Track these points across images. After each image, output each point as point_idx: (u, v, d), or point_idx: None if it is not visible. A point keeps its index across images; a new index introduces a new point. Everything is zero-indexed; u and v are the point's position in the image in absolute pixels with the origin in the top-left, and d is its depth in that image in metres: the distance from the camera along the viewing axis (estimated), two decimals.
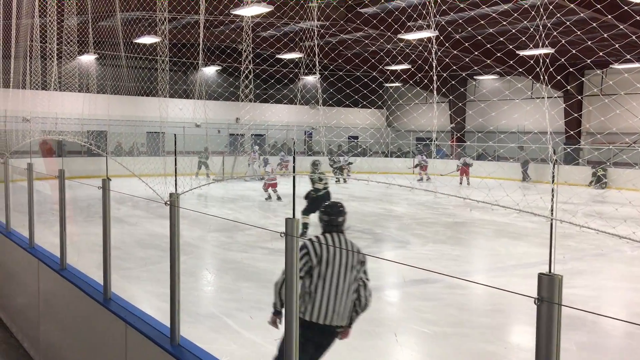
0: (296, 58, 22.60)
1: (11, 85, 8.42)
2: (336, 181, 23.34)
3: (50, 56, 6.92)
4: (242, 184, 23.17)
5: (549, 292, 1.61)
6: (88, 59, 8.10)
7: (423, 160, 26.00)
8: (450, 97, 30.14)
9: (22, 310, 6.10)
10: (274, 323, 3.97)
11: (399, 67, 23.43)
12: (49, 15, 6.67)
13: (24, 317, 5.99)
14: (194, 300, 7.03)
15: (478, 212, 15.60)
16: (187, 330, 3.53)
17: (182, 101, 25.19)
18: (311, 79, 27.80)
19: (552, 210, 1.71)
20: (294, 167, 2.68)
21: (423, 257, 9.95)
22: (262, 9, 14.41)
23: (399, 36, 14.98)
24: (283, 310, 3.35)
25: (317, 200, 10.79)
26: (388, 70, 24.56)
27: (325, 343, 3.92)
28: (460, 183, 24.14)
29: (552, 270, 1.64)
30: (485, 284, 7.18)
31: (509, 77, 25.66)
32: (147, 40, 17.96)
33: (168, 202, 3.44)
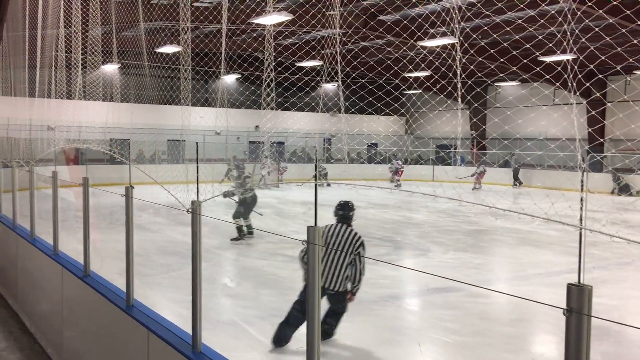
0: (316, 66, 22.67)
1: (36, 95, 8.57)
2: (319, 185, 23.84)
3: (75, 66, 7.03)
4: (260, 191, 23.23)
5: (578, 303, 1.57)
6: (112, 69, 8.22)
7: (398, 165, 26.30)
8: (476, 105, 29.91)
9: (46, 316, 6.17)
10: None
11: (419, 74, 23.38)
12: (74, 26, 6.78)
13: (48, 324, 6.06)
14: (214, 307, 7.05)
15: (500, 219, 15.43)
16: (207, 337, 3.53)
17: (204, 109, 25.43)
18: (331, 87, 27.86)
19: (581, 219, 1.68)
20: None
21: (444, 265, 9.87)
22: (283, 18, 14.50)
23: (420, 43, 14.94)
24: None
25: (248, 203, 11.36)
26: (409, 77, 24.52)
27: (336, 306, 5.57)
28: (473, 189, 24.28)
29: (581, 281, 1.61)
30: (511, 293, 7.10)
31: (536, 84, 25.42)
32: (168, 49, 18.18)
33: (190, 210, 3.46)
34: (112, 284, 4.80)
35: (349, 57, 20.17)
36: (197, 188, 3.54)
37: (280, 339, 5.57)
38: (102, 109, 8.90)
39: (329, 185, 24.45)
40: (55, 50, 7.28)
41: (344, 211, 5.75)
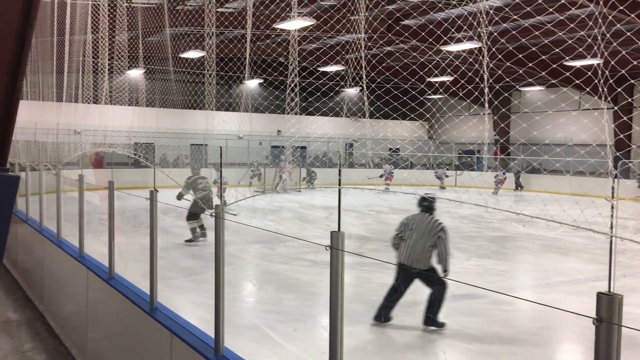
0: (339, 70, 22.67)
1: (64, 99, 8.72)
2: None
3: (101, 71, 7.14)
4: (282, 195, 23.29)
5: (608, 312, 1.54)
6: (137, 73, 8.33)
7: (390, 169, 26.27)
8: (503, 110, 29.57)
9: (71, 318, 6.25)
10: None
11: (444, 79, 23.25)
12: (101, 31, 6.90)
13: (73, 325, 6.14)
14: (235, 311, 7.07)
15: (523, 226, 15.23)
16: (229, 340, 3.54)
17: (227, 114, 25.60)
18: (353, 91, 27.83)
19: (612, 226, 1.64)
20: (339, 180, 2.66)
21: (467, 271, 9.76)
22: (306, 23, 14.53)
23: (445, 48, 14.84)
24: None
25: (199, 205, 11.27)
26: (434, 82, 24.41)
27: (433, 287, 6.53)
28: (495, 193, 24.34)
29: (611, 290, 1.57)
30: (536, 301, 6.98)
31: (566, 89, 25.02)
32: (193, 54, 18.35)
33: (213, 214, 3.48)
34: (136, 287, 4.85)
35: (373, 62, 20.11)
36: (221, 192, 3.55)
37: (380, 316, 6.67)
38: (128, 114, 9.02)
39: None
40: (82, 55, 7.40)
41: (428, 202, 6.54)
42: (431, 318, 6.48)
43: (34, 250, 8.29)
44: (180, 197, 11.23)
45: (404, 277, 6.54)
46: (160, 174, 5.54)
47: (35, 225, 8.34)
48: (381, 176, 26.01)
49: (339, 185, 2.58)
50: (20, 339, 6.57)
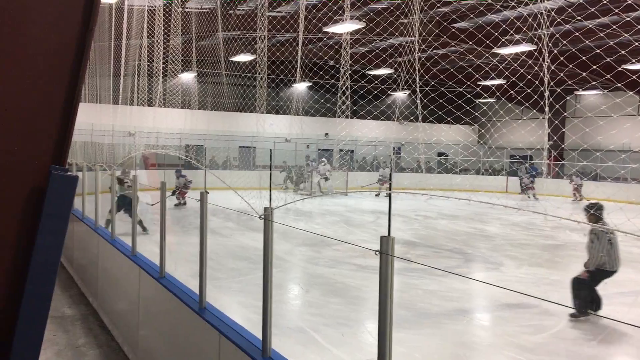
0: (389, 74, 22.53)
1: (120, 102, 8.98)
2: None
3: (156, 74, 7.32)
4: (329, 199, 23.31)
5: None
6: (189, 77, 8.50)
7: (387, 173, 25.47)
8: (565, 113, 28.68)
9: (123, 315, 6.41)
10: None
11: (496, 82, 22.76)
12: (156, 36, 7.07)
13: (125, 322, 6.30)
14: (282, 313, 7.10)
15: (577, 234, 14.73)
16: (275, 342, 3.55)
17: (278, 117, 25.84)
18: (403, 95, 27.58)
19: None
20: (391, 184, 2.62)
21: (518, 280, 9.51)
22: (357, 26, 14.51)
23: (498, 50, 14.54)
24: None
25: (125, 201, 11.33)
26: (485, 84, 23.94)
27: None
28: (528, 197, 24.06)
29: None
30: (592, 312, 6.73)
31: (631, 93, 23.99)
32: (243, 58, 18.60)
33: (262, 216, 3.49)
34: (186, 286, 4.93)
35: (427, 64, 19.87)
36: (270, 195, 3.57)
37: (576, 313, 7.20)
38: (180, 116, 9.20)
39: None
40: (138, 59, 7.60)
41: (601, 211, 7.15)
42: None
43: (89, 248, 8.56)
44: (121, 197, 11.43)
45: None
46: (210, 175, 5.62)
47: (91, 224, 8.61)
48: (378, 181, 25.02)
49: (389, 190, 2.54)
50: (75, 334, 6.79)
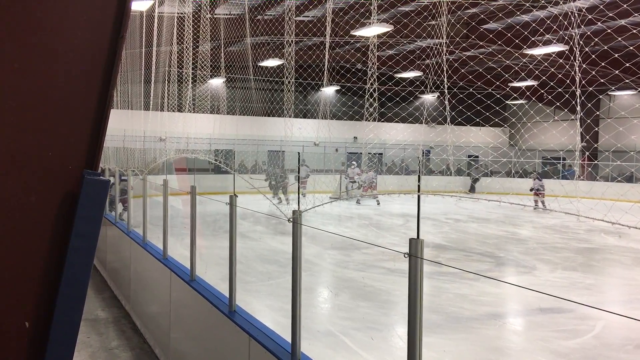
0: (417, 76, 22.39)
1: (151, 108, 9.13)
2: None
3: (185, 80, 7.42)
4: (352, 203, 23.27)
5: None
6: (218, 82, 8.60)
7: (372, 177, 24.06)
8: (597, 112, 28.00)
9: (155, 317, 6.50)
10: None
11: (526, 83, 22.39)
12: (186, 42, 7.17)
13: (157, 325, 6.38)
14: (311, 316, 7.10)
15: (613, 237, 14.39)
16: (305, 346, 3.55)
17: (306, 121, 25.89)
18: (431, 97, 27.38)
19: None
20: (418, 186, 2.59)
21: (551, 284, 9.32)
22: (384, 29, 14.48)
23: (528, 51, 14.33)
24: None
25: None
26: (515, 85, 23.59)
27: None
28: (535, 206, 22.08)
29: None
30: (629, 315, 6.56)
31: None
32: (271, 63, 18.73)
33: (291, 219, 3.50)
34: (216, 289, 4.97)
35: (455, 65, 19.71)
36: (298, 198, 3.58)
37: None
38: (209, 121, 9.31)
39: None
40: (168, 65, 7.73)
41: None
42: None
43: (121, 252, 8.70)
44: None
45: None
46: (240, 179, 5.67)
47: (123, 228, 8.76)
48: (360, 187, 23.51)
49: (418, 191, 2.51)
50: (108, 336, 6.90)
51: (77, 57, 2.60)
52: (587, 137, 27.60)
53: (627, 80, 19.83)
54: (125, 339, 6.81)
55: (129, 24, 2.79)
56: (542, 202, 22.72)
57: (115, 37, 2.63)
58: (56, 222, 2.63)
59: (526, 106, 31.95)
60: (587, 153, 28.34)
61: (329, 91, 31.69)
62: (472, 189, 28.38)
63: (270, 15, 15.25)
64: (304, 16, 15.08)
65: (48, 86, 2.55)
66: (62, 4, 2.53)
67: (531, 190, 22.58)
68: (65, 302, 2.63)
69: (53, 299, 2.62)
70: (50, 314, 2.61)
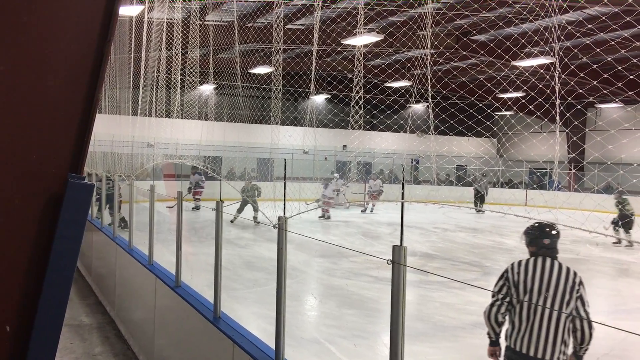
0: (405, 86, 22.54)
1: (139, 113, 9.11)
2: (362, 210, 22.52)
3: (174, 86, 7.42)
4: (345, 210, 23.31)
5: None
6: (208, 89, 8.61)
7: (379, 185, 23.45)
8: (590, 128, 28.32)
9: (140, 323, 6.45)
10: (493, 355, 3.95)
11: (513, 94, 22.61)
12: (175, 48, 7.18)
13: (141, 331, 6.34)
14: (297, 324, 7.09)
15: (599, 249, 14.51)
16: (291, 353, 3.54)
17: (293, 128, 25.88)
18: (419, 107, 27.54)
19: None
20: (403, 193, 2.61)
21: None
22: (373, 38, 14.58)
23: (515, 63, 14.50)
24: (501, 341, 3.80)
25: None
26: (501, 96, 23.80)
27: None
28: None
29: None
30: (608, 324, 6.61)
31: None
32: (261, 70, 18.77)
33: (276, 226, 3.51)
34: (201, 296, 4.95)
35: (442, 77, 19.89)
36: (284, 205, 3.59)
37: None
38: (197, 127, 9.30)
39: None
40: (156, 71, 7.73)
41: (551, 239, 3.79)
42: None
43: (107, 258, 8.65)
44: None
45: None
46: (227, 186, 5.66)
47: (109, 234, 8.71)
48: (368, 193, 23.10)
49: (402, 199, 2.54)
50: (92, 342, 6.84)
51: (63, 61, 2.60)
52: (574, 153, 27.89)
53: (611, 96, 20.11)
54: (109, 345, 6.75)
55: (116, 28, 2.80)
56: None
57: (102, 41, 2.63)
58: (39, 225, 2.62)
59: (512, 120, 32.27)
60: (573, 170, 28.65)
61: (318, 99, 31.77)
62: (481, 202, 25.54)
63: (261, 23, 15.31)
64: (293, 24, 15.14)
65: (33, 89, 2.54)
66: (49, 7, 2.53)
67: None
68: (47, 306, 2.61)
69: (35, 303, 2.60)
70: (32, 318, 2.59)
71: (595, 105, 29.02)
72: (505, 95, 23.06)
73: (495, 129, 34.02)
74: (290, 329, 4.73)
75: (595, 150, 27.95)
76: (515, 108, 27.28)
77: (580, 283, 3.66)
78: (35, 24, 2.49)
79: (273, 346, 3.53)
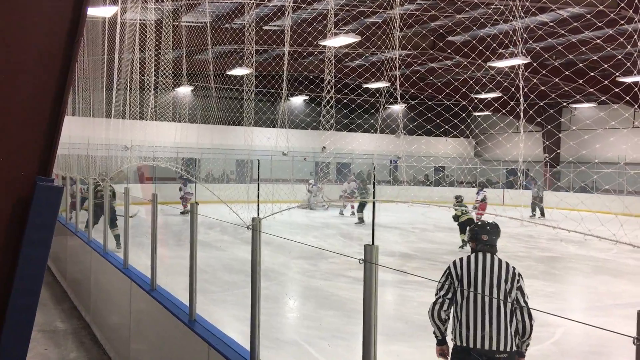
0: (382, 87, 22.64)
1: (112, 115, 9.00)
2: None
3: (147, 88, 7.36)
4: (325, 212, 23.35)
5: None
6: (184, 91, 8.55)
7: (353, 187, 22.98)
8: (559, 131, 28.70)
9: (115, 328, 6.38)
10: (442, 355, 3.97)
11: (488, 95, 22.85)
12: (148, 50, 7.12)
13: (117, 335, 6.26)
14: (276, 325, 7.06)
15: (574, 247, 14.73)
16: (269, 355, 3.54)
17: (271, 130, 25.80)
18: (397, 108, 27.69)
19: None
20: (374, 192, 2.62)
21: None
22: (349, 39, 14.61)
23: (489, 64, 14.68)
24: (449, 339, 3.85)
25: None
26: (476, 98, 24.05)
27: None
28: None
29: None
30: (583, 321, 6.72)
31: (616, 106, 24.01)
32: (239, 72, 18.69)
33: (250, 227, 3.50)
34: (177, 299, 4.91)
35: (414, 77, 20.04)
36: (258, 206, 3.58)
37: None
38: (172, 130, 9.23)
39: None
40: (130, 73, 7.65)
41: (491, 236, 3.96)
42: None
43: (82, 262, 8.53)
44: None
45: None
46: (205, 189, 5.63)
47: (84, 237, 8.59)
48: (340, 197, 22.84)
49: (374, 198, 2.55)
50: (67, 348, 6.74)
51: (31, 62, 2.56)
52: (549, 155, 28.28)
53: (578, 96, 20.44)
54: (84, 350, 6.65)
55: (84, 29, 2.76)
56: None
57: (70, 42, 2.60)
58: (8, 229, 2.57)
59: (489, 120, 32.60)
60: (549, 169, 29.03)
61: (297, 101, 31.73)
62: (541, 212, 22.86)
63: (237, 24, 15.26)
64: (270, 26, 15.12)
65: (0, 90, 2.50)
66: (16, 8, 2.49)
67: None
68: (16, 312, 2.57)
69: (3, 309, 2.55)
70: (1, 322, 2.55)
71: (569, 106, 29.51)
72: (480, 97, 23.33)
73: (467, 131, 34.37)
74: (269, 331, 4.72)
75: (570, 149, 28.39)
76: (490, 110, 27.64)
77: (520, 275, 3.84)
78: (1, 25, 2.45)
79: (249, 348, 3.51)
